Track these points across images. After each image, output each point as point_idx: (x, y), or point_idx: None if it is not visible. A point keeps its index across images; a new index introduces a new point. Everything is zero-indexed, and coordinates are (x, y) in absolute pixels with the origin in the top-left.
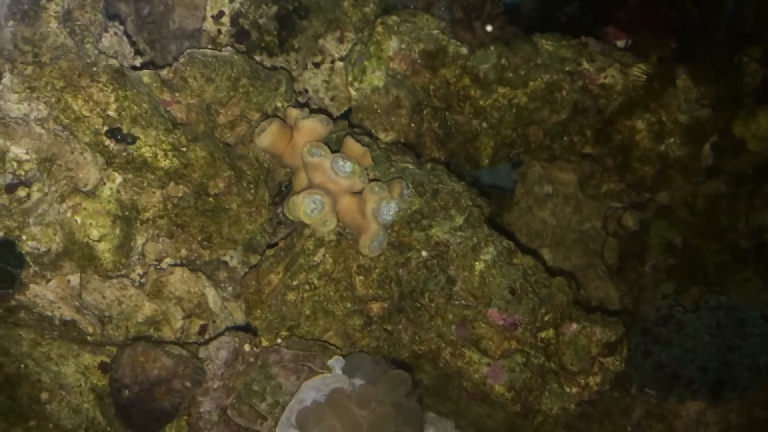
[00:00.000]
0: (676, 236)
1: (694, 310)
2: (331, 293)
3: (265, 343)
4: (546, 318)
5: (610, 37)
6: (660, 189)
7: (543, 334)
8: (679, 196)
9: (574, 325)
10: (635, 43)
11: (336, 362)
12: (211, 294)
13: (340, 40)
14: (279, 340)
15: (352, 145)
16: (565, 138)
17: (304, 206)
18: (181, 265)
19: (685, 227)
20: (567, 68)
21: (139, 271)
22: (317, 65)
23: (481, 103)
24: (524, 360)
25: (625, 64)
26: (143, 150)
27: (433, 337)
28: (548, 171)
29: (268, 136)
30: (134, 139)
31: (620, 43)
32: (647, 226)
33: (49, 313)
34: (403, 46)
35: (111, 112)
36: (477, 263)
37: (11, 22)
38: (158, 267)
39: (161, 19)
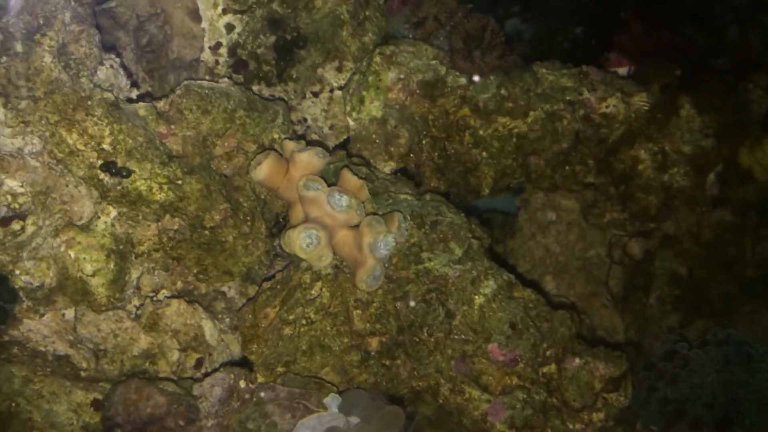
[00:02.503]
0: (681, 267)
1: (700, 345)
2: (328, 328)
3: (260, 380)
4: (548, 353)
5: (612, 64)
6: (664, 219)
7: (545, 370)
8: (684, 226)
9: (577, 360)
10: (638, 70)
11: (332, 400)
12: (207, 326)
13: (339, 70)
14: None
15: (348, 177)
16: (567, 167)
17: (300, 241)
18: (178, 297)
19: (691, 258)
20: (568, 97)
21: (136, 303)
22: (316, 94)
23: (481, 132)
24: (525, 396)
25: (627, 93)
26: (138, 183)
27: (432, 373)
28: (552, 198)
29: (263, 170)
30: (129, 173)
31: (623, 70)
32: (652, 256)
33: (43, 349)
34: (402, 76)
35: (106, 146)
36: (476, 297)
37: (4, 57)
38: (154, 299)
39: (160, 48)
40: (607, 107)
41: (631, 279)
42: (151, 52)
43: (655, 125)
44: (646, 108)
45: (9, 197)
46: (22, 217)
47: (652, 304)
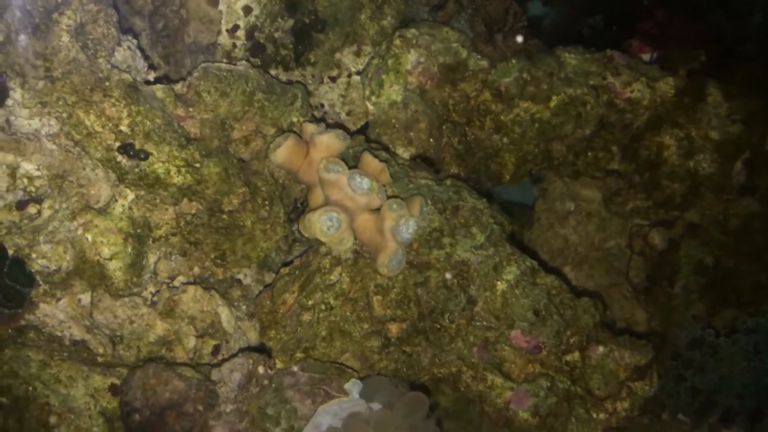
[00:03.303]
0: (708, 256)
1: (729, 333)
2: (348, 313)
3: (279, 365)
4: (571, 340)
5: (635, 50)
6: (689, 207)
7: (568, 358)
8: (710, 214)
9: (601, 348)
10: (662, 56)
11: (353, 386)
12: (224, 313)
13: (357, 54)
14: (294, 366)
15: (369, 161)
16: (590, 154)
17: (321, 224)
18: (195, 283)
19: (717, 247)
20: (591, 82)
21: (152, 289)
22: (333, 79)
23: (503, 117)
24: (549, 384)
25: (653, 78)
26: (156, 166)
27: (453, 360)
28: (570, 187)
29: (283, 152)
30: (147, 155)
31: (645, 57)
32: (676, 245)
33: (59, 333)
34: (422, 59)
35: (123, 128)
36: (499, 283)
37: (22, 36)
38: (171, 285)
39: (176, 33)
40: (631, 92)
41: (656, 268)
42: (166, 37)
43: (681, 111)
44: (672, 93)
45: (25, 180)
46: (38, 200)
47: (678, 293)
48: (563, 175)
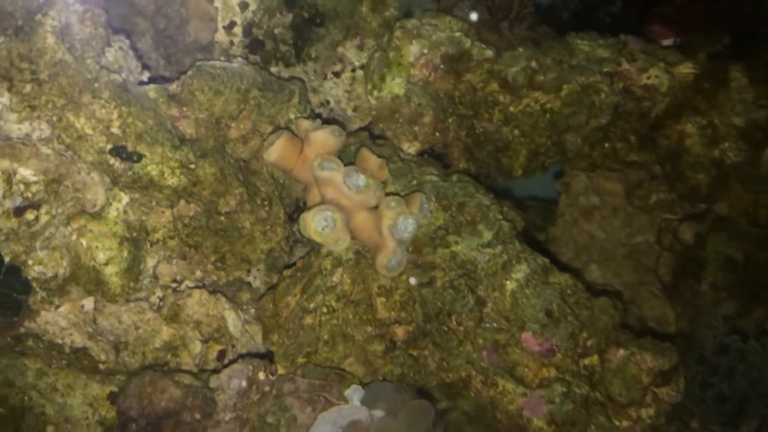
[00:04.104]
0: (737, 251)
1: (758, 335)
2: (351, 316)
3: (281, 371)
4: (589, 343)
5: (657, 36)
6: (716, 199)
7: (586, 361)
8: (738, 206)
9: (621, 351)
10: (684, 40)
11: (354, 392)
12: (231, 317)
13: (360, 48)
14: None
15: (367, 156)
16: (607, 144)
17: (315, 224)
18: (200, 287)
19: (747, 241)
20: (605, 69)
21: (158, 293)
22: (337, 74)
23: (512, 109)
24: (565, 390)
25: (671, 63)
26: (149, 168)
27: (462, 364)
28: (594, 181)
29: (276, 150)
30: (140, 157)
31: (667, 42)
32: (703, 240)
33: (60, 341)
34: (425, 50)
35: (115, 130)
36: (508, 282)
37: (2, 38)
38: (176, 289)
39: (176, 32)
40: (648, 78)
41: (682, 265)
42: (168, 37)
43: (702, 96)
44: (691, 78)
45: (22, 186)
46: (36, 206)
47: (705, 291)
48: (579, 168)
